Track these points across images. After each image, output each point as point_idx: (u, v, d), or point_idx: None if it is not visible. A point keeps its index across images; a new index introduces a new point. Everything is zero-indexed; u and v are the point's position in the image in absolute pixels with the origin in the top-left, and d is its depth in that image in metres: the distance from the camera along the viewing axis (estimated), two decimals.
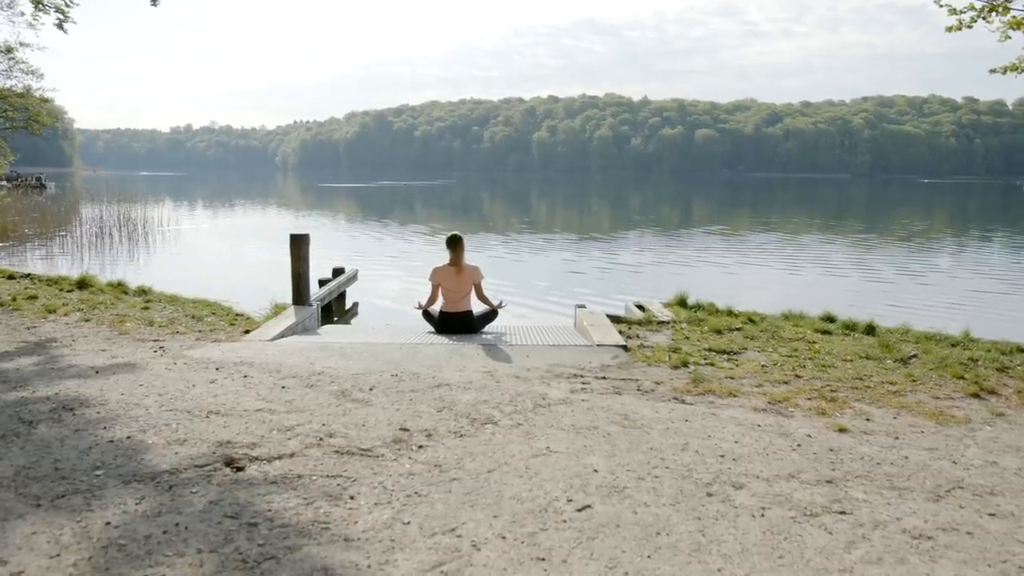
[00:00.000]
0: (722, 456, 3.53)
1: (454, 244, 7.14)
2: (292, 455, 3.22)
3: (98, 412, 3.74)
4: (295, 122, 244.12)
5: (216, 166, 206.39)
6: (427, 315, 7.36)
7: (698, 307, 8.69)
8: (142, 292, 9.60)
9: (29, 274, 11.12)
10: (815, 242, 22.90)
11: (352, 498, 2.76)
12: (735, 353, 6.26)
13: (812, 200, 53.95)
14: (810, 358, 6.10)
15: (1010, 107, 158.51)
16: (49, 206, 28.72)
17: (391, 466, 3.15)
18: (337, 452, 3.30)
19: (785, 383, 5.25)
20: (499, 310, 7.40)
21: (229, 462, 3.05)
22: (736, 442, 3.78)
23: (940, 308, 11.89)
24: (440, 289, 7.17)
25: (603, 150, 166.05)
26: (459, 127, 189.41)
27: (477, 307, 7.30)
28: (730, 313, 8.35)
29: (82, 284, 9.93)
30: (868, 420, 4.38)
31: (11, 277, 10.69)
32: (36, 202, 30.13)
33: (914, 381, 5.39)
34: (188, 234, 23.27)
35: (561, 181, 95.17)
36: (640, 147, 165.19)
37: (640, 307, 9.14)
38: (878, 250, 21.11)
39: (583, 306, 7.83)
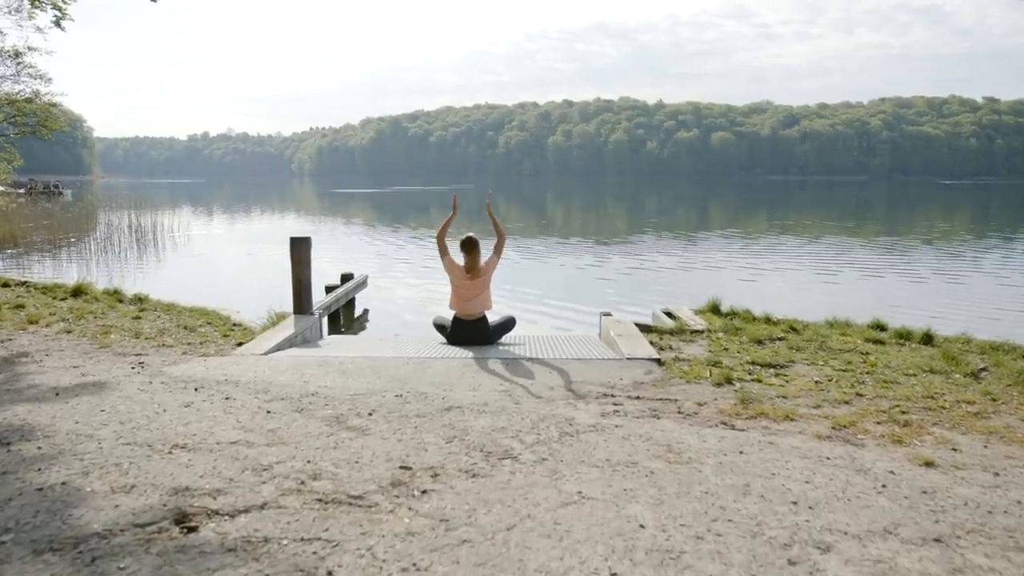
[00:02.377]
0: (795, 503, 2.86)
1: (469, 248, 6.49)
2: (263, 506, 2.59)
3: (39, 448, 3.13)
4: (311, 129, 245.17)
5: (233, 173, 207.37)
6: (439, 326, 6.73)
7: (732, 314, 8.00)
8: (138, 300, 9.06)
9: (25, 282, 10.64)
10: (840, 245, 22.06)
11: (330, 573, 2.13)
12: (782, 367, 5.58)
13: (833, 202, 52.85)
14: (868, 372, 5.41)
15: None
16: (61, 213, 28.43)
17: (385, 522, 2.51)
18: (320, 501, 2.67)
19: (846, 403, 4.57)
20: (513, 318, 6.79)
21: (180, 518, 2.42)
22: (807, 482, 3.11)
23: (984, 315, 11.08)
24: (452, 288, 6.53)
25: (618, 154, 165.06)
26: (474, 132, 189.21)
27: (493, 316, 6.66)
28: (768, 321, 7.65)
29: (77, 292, 9.43)
30: (955, 450, 3.69)
31: (6, 285, 10.21)
32: (47, 208, 29.86)
33: (994, 400, 4.69)
34: (199, 239, 22.82)
35: (577, 185, 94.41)
36: (656, 150, 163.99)
37: (669, 314, 8.46)
38: (908, 253, 20.23)
39: (609, 314, 7.17)
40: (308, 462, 3.09)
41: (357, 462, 3.13)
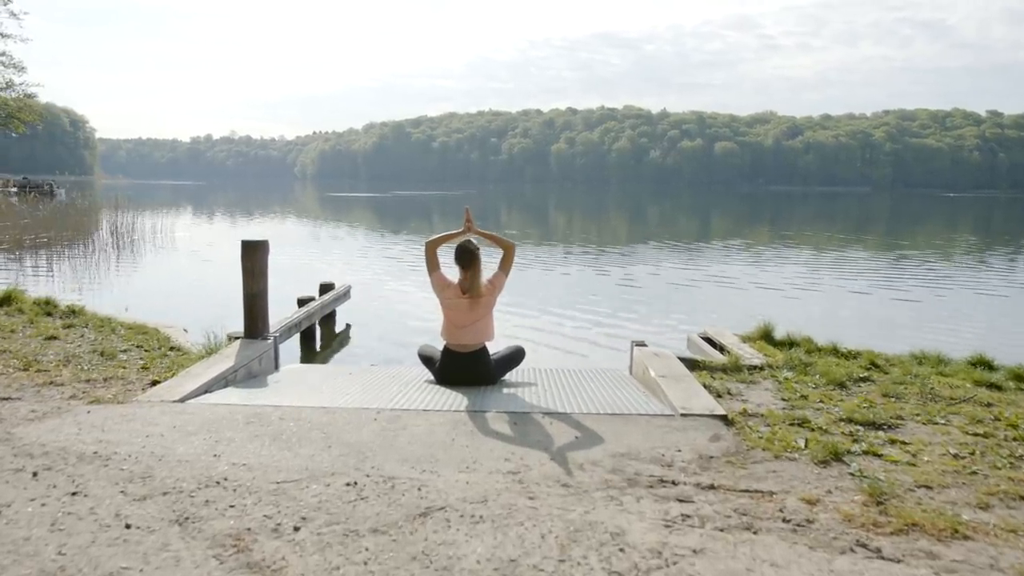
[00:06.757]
0: None
1: (468, 261, 4.86)
2: None
3: None
4: (314, 133, 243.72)
5: (235, 176, 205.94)
6: (425, 358, 5.21)
7: (791, 343, 6.48)
8: (70, 313, 7.58)
9: None
10: (856, 258, 20.53)
11: None
12: (892, 427, 4.06)
13: (838, 213, 51.24)
14: (1016, 438, 3.89)
15: None
16: (31, 212, 26.87)
17: None
18: None
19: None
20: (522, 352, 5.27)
21: None
22: None
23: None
24: (443, 312, 5.01)
25: (622, 162, 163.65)
26: (477, 138, 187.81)
27: (495, 346, 5.14)
28: (837, 352, 6.13)
29: (3, 301, 7.96)
30: None
31: None
32: (15, 207, 28.26)
33: None
34: (184, 242, 21.25)
35: (580, 193, 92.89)
36: (659, 160, 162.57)
37: (709, 340, 6.96)
38: (932, 267, 18.68)
39: (643, 344, 5.63)
40: None
41: None
